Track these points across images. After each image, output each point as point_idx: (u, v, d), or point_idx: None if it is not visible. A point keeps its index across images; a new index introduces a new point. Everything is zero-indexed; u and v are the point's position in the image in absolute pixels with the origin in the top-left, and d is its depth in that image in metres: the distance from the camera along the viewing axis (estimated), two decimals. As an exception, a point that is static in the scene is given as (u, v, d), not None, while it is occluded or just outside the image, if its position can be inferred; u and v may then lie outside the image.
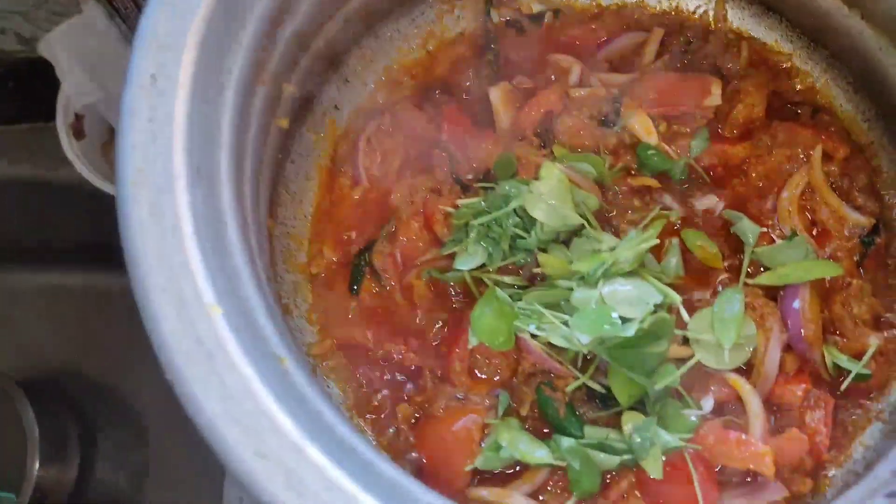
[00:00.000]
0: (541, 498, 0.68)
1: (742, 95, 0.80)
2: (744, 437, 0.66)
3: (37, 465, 1.26)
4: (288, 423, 0.44)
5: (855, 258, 0.76)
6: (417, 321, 0.75)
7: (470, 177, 0.78)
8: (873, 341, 0.72)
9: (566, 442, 0.64)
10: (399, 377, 0.74)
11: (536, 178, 0.71)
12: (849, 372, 0.71)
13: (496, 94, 0.80)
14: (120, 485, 1.38)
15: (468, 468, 0.67)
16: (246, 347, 0.46)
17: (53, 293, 1.43)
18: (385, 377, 0.74)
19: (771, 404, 0.70)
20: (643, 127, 0.76)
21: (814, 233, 0.77)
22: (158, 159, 0.49)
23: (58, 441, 1.30)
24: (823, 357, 0.72)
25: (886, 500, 0.51)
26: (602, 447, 0.64)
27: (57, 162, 1.15)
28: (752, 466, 0.66)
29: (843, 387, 0.71)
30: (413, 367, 0.72)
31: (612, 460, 0.64)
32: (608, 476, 0.67)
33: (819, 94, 0.82)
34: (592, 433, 0.67)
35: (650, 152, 0.76)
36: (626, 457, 0.64)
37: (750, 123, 0.81)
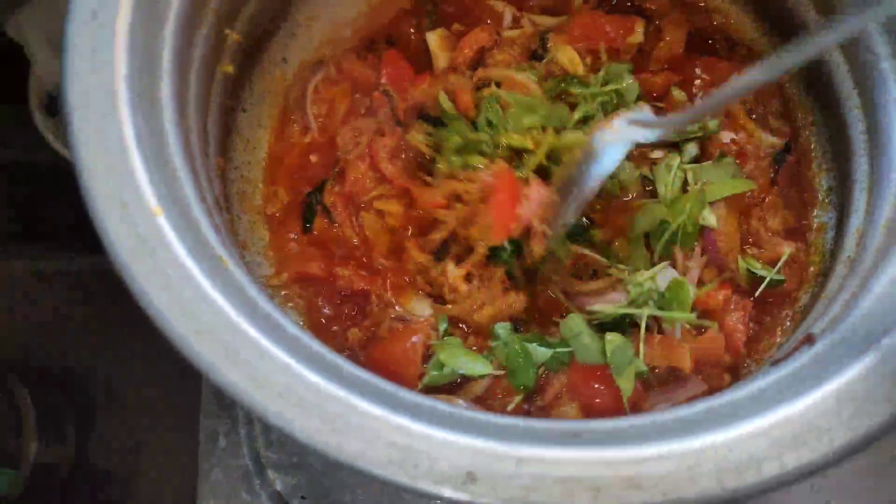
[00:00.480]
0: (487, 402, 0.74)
1: (663, 34, 0.86)
2: (664, 336, 0.73)
3: (34, 446, 1.31)
4: (225, 305, 0.49)
5: (770, 175, 0.82)
6: (365, 252, 0.81)
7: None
8: (786, 249, 0.78)
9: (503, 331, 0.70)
10: (349, 306, 0.80)
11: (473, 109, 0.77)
12: (764, 279, 0.77)
13: (433, 38, 0.86)
14: (114, 464, 1.43)
15: (418, 389, 0.73)
16: (187, 246, 0.51)
17: (45, 277, 1.47)
18: (337, 303, 0.79)
19: (697, 310, 0.76)
20: (570, 59, 0.82)
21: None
22: (100, 87, 0.54)
23: (54, 422, 1.35)
24: (740, 267, 0.78)
25: (771, 367, 0.57)
26: (539, 339, 0.70)
27: (33, 144, 1.18)
28: (672, 363, 0.72)
29: (759, 292, 0.77)
30: (362, 290, 0.78)
31: (545, 353, 0.70)
32: (542, 376, 0.73)
33: (732, 29, 0.88)
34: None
35: (576, 82, 0.82)
36: (560, 349, 0.70)
37: (671, 59, 0.86)
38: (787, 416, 0.47)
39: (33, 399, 1.32)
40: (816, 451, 0.45)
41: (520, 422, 0.49)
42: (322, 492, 0.82)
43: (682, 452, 0.45)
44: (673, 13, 0.88)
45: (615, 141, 0.70)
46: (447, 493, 0.43)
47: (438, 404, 0.49)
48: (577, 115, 0.77)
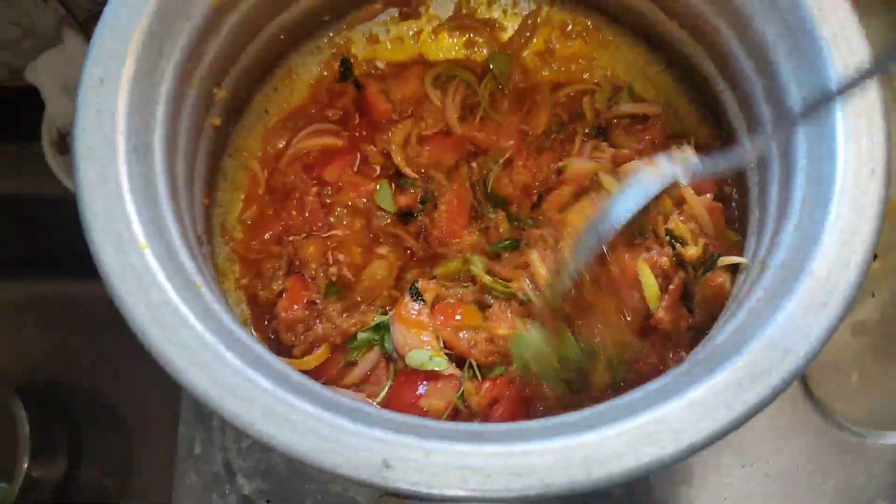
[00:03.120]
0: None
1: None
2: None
3: (26, 461, 1.38)
4: (196, 323, 0.61)
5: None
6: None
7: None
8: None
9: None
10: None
11: None
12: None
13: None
14: (104, 482, 1.50)
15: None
16: (167, 273, 0.63)
17: (44, 303, 1.56)
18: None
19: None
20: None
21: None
22: (103, 140, 0.67)
23: (46, 440, 1.42)
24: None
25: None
26: None
27: (43, 178, 1.29)
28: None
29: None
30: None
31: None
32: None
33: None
34: None
35: None
36: None
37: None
38: (648, 419, 0.57)
39: (29, 419, 1.38)
40: (667, 447, 0.56)
41: (432, 423, 0.60)
42: (286, 495, 0.92)
43: (559, 447, 0.56)
44: None
45: (654, 176, 0.75)
46: (365, 477, 0.54)
47: (365, 407, 0.60)
48: None
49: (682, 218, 0.81)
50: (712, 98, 0.90)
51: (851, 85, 0.59)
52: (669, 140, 0.93)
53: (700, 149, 0.92)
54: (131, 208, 0.65)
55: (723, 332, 0.65)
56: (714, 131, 0.94)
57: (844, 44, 0.67)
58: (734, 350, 0.60)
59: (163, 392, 1.12)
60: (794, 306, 0.61)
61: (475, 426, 0.60)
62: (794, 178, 0.70)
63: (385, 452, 0.55)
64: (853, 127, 0.65)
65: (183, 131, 0.79)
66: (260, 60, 0.95)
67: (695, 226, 0.81)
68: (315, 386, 0.60)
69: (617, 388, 0.78)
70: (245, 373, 0.58)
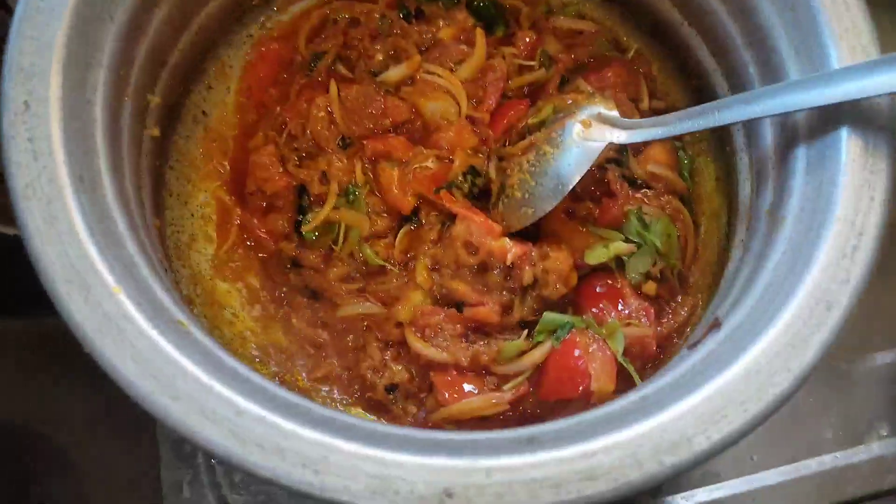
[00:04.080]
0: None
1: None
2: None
3: None
4: (195, 369, 0.53)
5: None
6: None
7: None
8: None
9: None
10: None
11: None
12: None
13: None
14: None
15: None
16: (149, 317, 0.54)
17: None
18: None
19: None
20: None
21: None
22: (43, 174, 0.56)
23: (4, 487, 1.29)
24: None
25: (687, 352, 0.65)
26: None
27: None
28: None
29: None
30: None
31: None
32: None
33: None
34: None
35: None
36: None
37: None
38: (706, 395, 0.54)
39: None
40: (735, 422, 0.53)
41: (482, 435, 0.55)
42: (293, 525, 0.85)
43: (624, 441, 0.52)
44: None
45: (590, 139, 0.77)
46: (428, 510, 0.49)
47: (409, 431, 0.54)
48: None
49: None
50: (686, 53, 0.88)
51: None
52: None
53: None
54: (92, 249, 0.55)
55: (752, 292, 0.62)
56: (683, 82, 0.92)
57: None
58: (775, 310, 0.58)
59: (130, 431, 1.04)
60: (827, 255, 0.59)
61: (528, 431, 0.55)
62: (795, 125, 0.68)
63: (443, 480, 0.50)
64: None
65: (125, 150, 0.69)
66: (191, 56, 0.85)
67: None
68: (347, 418, 0.54)
69: None
70: (271, 419, 0.51)
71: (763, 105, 0.67)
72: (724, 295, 0.72)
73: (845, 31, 0.66)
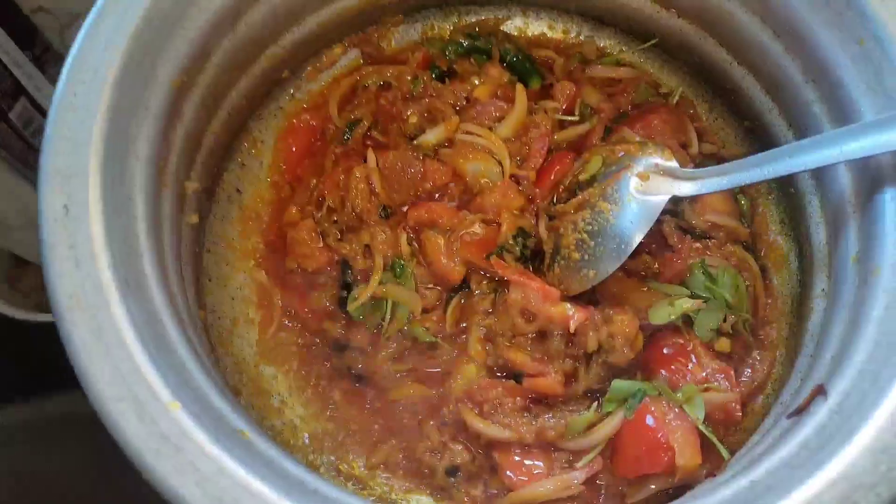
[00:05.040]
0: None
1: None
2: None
3: None
4: (262, 486, 0.48)
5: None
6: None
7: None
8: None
9: None
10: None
11: None
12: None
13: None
14: None
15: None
16: (209, 431, 0.50)
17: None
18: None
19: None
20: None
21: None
22: (87, 282, 0.53)
23: None
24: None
25: (789, 423, 0.60)
26: None
27: None
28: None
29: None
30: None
31: None
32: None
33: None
34: None
35: None
36: None
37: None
38: (829, 479, 0.49)
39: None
40: (867, 509, 0.47)
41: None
42: None
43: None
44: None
45: (650, 193, 0.74)
46: None
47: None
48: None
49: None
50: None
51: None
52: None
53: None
54: (144, 360, 0.51)
55: (855, 353, 0.57)
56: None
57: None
58: (891, 374, 0.52)
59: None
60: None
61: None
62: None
63: None
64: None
65: (166, 242, 0.65)
66: (224, 136, 0.82)
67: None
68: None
69: None
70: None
71: (839, 149, 0.63)
72: (815, 354, 0.67)
73: (923, 64, 0.62)
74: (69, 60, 0.60)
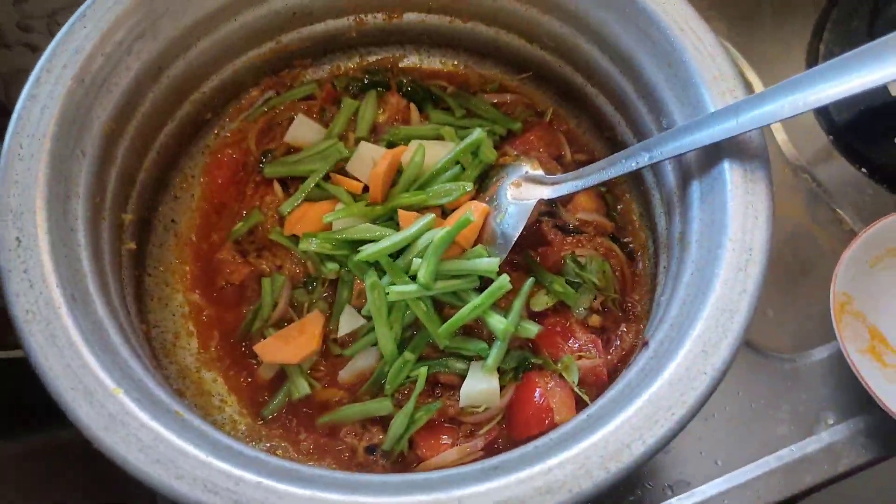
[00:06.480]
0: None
1: None
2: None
3: None
4: (194, 450, 0.60)
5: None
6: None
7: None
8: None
9: None
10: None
11: None
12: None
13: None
14: None
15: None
16: (147, 411, 0.62)
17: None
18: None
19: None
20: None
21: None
22: (40, 299, 0.65)
23: None
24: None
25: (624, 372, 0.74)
26: None
27: None
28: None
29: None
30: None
31: None
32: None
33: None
34: None
35: None
36: None
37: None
38: (639, 406, 0.63)
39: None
40: (665, 425, 0.62)
41: (453, 471, 0.62)
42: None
43: (575, 456, 0.60)
44: None
45: (522, 199, 0.87)
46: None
47: (388, 477, 0.61)
48: None
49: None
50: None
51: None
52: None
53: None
54: (90, 358, 0.63)
55: (671, 310, 0.72)
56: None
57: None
58: (689, 324, 0.67)
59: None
60: (725, 272, 0.69)
61: (493, 461, 0.63)
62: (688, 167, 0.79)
63: (419, 515, 0.57)
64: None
65: (107, 265, 0.77)
66: (156, 173, 0.94)
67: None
68: (337, 474, 0.61)
69: None
70: (267, 484, 0.58)
71: (660, 150, 0.78)
72: (653, 317, 0.82)
73: (714, 79, 0.78)
74: (14, 118, 0.72)
